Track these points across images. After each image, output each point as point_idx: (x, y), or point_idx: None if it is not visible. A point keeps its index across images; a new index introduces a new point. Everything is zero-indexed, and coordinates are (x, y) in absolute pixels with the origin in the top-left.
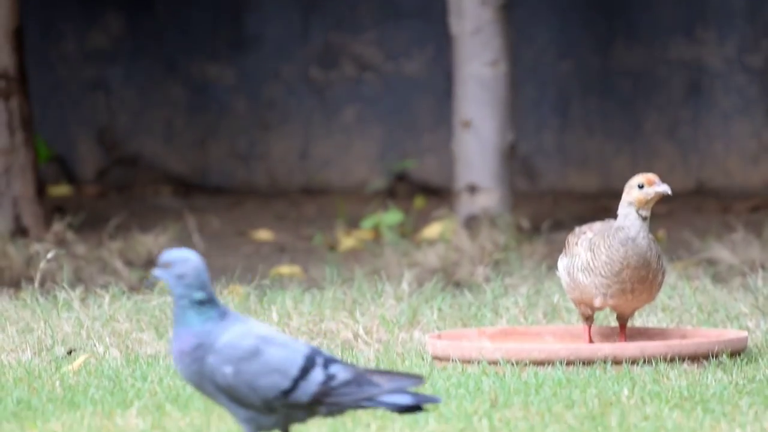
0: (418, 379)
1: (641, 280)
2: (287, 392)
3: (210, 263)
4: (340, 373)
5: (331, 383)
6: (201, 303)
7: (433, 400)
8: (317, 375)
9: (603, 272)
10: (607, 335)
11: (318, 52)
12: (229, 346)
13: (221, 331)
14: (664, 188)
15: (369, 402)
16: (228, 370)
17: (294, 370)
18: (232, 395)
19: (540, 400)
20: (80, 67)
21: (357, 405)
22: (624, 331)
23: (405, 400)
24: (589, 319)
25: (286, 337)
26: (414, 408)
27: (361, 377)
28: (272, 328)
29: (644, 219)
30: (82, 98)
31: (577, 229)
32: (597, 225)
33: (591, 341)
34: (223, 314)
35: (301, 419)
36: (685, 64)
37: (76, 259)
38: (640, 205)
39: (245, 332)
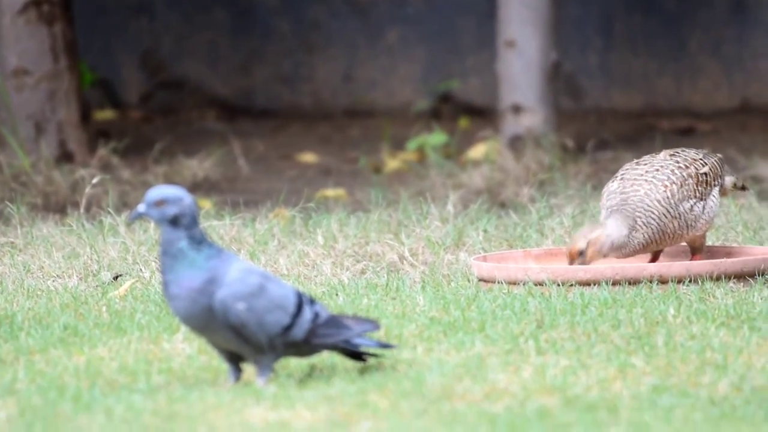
0: (376, 323)
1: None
2: (287, 328)
3: (255, 187)
4: (322, 312)
5: (318, 321)
6: (200, 242)
7: (389, 346)
8: (307, 312)
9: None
10: (674, 255)
11: None
12: (239, 282)
13: (226, 267)
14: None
15: (345, 343)
16: (241, 306)
17: (291, 307)
18: (241, 332)
19: (586, 320)
20: None
21: (335, 346)
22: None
23: (369, 343)
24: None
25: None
26: (369, 354)
27: (334, 318)
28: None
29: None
30: (126, 22)
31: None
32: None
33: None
34: (219, 252)
35: (287, 356)
36: None
37: (122, 183)
38: None
39: (248, 269)
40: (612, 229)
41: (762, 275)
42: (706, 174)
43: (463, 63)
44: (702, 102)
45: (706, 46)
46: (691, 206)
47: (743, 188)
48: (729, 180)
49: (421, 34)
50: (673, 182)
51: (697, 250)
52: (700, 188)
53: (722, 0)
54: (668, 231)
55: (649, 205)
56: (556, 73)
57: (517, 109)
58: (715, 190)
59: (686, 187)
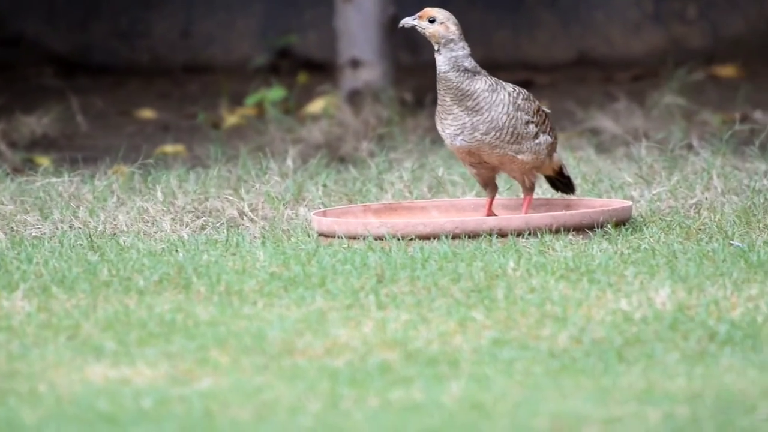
0: None
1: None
2: None
3: (94, 143)
4: None
5: None
6: None
7: None
8: None
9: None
10: (513, 208)
11: None
12: None
13: None
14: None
15: None
16: None
17: None
18: None
19: (426, 274)
20: None
21: None
22: (526, 200)
23: None
24: (488, 188)
25: None
26: None
27: None
28: None
29: (437, 52)
30: None
31: None
32: None
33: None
34: None
35: None
36: None
37: None
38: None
39: None
40: (464, 46)
41: (600, 228)
42: (546, 113)
43: (301, 18)
44: (540, 55)
45: None
46: (527, 122)
47: (564, 177)
48: (558, 157)
49: None
50: (519, 93)
51: (528, 189)
52: (538, 117)
53: None
54: (499, 123)
55: (495, 84)
56: (394, 27)
57: (355, 64)
58: (547, 138)
59: (529, 103)
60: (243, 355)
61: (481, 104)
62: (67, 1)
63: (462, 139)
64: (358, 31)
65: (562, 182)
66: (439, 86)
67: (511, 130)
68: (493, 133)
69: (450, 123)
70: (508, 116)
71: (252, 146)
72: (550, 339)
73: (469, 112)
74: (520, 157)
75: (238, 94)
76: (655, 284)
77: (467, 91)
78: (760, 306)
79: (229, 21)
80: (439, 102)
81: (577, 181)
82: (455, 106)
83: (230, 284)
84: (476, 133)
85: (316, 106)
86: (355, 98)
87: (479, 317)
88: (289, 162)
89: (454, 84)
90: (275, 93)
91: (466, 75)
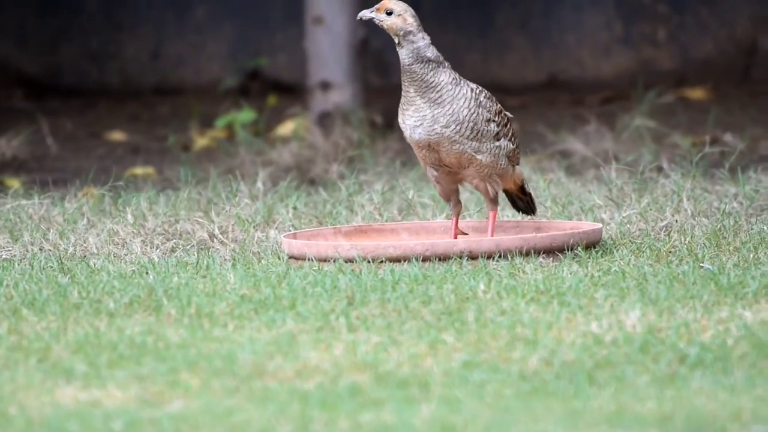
0: None
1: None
2: None
3: (64, 165)
4: None
5: None
6: None
7: None
8: None
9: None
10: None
11: None
12: None
13: None
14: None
15: None
16: None
17: None
18: None
19: (396, 296)
20: None
21: None
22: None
23: None
24: (451, 201)
25: None
26: None
27: None
28: None
29: (398, 45)
30: None
31: None
32: None
33: (456, 236)
34: None
35: None
36: None
37: None
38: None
39: None
40: (424, 36)
41: (571, 250)
42: (509, 118)
43: (271, 40)
44: (510, 77)
45: (513, 20)
46: (487, 119)
47: (525, 194)
48: (520, 171)
49: (229, 10)
50: (482, 91)
51: (492, 202)
52: (500, 118)
53: None
54: (460, 116)
55: (459, 78)
56: (364, 49)
57: (325, 86)
58: (509, 144)
59: (491, 103)
60: (213, 378)
61: (443, 96)
62: (37, 23)
63: (421, 132)
64: (328, 53)
65: (523, 201)
66: (404, 78)
67: (471, 125)
68: (453, 126)
69: (411, 114)
70: (469, 110)
71: (222, 168)
72: (521, 361)
73: (431, 104)
74: (478, 157)
75: (208, 116)
76: (626, 307)
77: (431, 82)
78: (730, 328)
79: (199, 43)
80: (402, 94)
81: (547, 204)
82: (418, 98)
83: (201, 306)
84: (436, 126)
85: (287, 128)
86: (325, 120)
87: (450, 340)
88: (260, 184)
89: (419, 76)
90: (245, 115)
91: (429, 66)
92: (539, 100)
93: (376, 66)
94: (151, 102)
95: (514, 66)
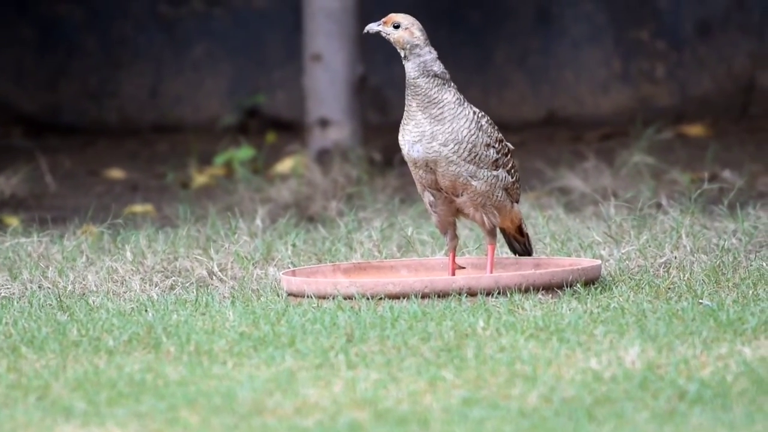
0: None
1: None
2: None
3: (63, 203)
4: None
5: None
6: None
7: None
8: None
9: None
10: (483, 267)
11: None
12: None
13: None
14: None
15: None
16: None
17: None
18: None
19: (396, 333)
20: None
21: None
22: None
23: None
24: (448, 234)
25: None
26: None
27: None
28: None
29: (405, 59)
30: None
31: None
32: None
33: (453, 272)
34: None
35: None
36: None
37: None
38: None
39: None
40: (430, 50)
41: (570, 287)
42: (510, 149)
43: (269, 77)
44: (509, 114)
45: (512, 57)
46: (487, 144)
47: (522, 235)
48: (518, 209)
49: (227, 48)
50: (484, 116)
51: (489, 234)
52: (500, 146)
53: (527, 12)
54: (459, 136)
55: (463, 100)
56: (362, 86)
57: (324, 123)
58: (507, 177)
59: (492, 129)
60: (213, 415)
61: (445, 114)
62: (36, 61)
63: (419, 149)
64: (326, 90)
65: (520, 243)
66: (408, 92)
67: (469, 146)
68: (452, 145)
69: (411, 129)
70: (470, 131)
71: (221, 206)
72: (520, 398)
73: (432, 120)
74: (473, 183)
75: (206, 154)
76: (625, 343)
77: (435, 98)
78: (729, 365)
79: (197, 80)
80: (405, 109)
81: (546, 240)
82: (419, 112)
83: (200, 344)
84: (434, 143)
85: (285, 165)
86: (323, 158)
87: (449, 376)
88: (258, 222)
89: (423, 90)
90: (244, 152)
91: (435, 81)
92: (538, 137)
93: (375, 103)
94: (150, 140)
95: (513, 103)
